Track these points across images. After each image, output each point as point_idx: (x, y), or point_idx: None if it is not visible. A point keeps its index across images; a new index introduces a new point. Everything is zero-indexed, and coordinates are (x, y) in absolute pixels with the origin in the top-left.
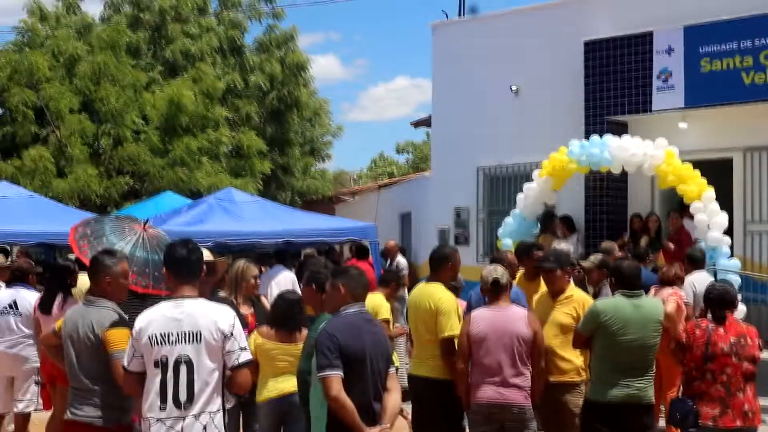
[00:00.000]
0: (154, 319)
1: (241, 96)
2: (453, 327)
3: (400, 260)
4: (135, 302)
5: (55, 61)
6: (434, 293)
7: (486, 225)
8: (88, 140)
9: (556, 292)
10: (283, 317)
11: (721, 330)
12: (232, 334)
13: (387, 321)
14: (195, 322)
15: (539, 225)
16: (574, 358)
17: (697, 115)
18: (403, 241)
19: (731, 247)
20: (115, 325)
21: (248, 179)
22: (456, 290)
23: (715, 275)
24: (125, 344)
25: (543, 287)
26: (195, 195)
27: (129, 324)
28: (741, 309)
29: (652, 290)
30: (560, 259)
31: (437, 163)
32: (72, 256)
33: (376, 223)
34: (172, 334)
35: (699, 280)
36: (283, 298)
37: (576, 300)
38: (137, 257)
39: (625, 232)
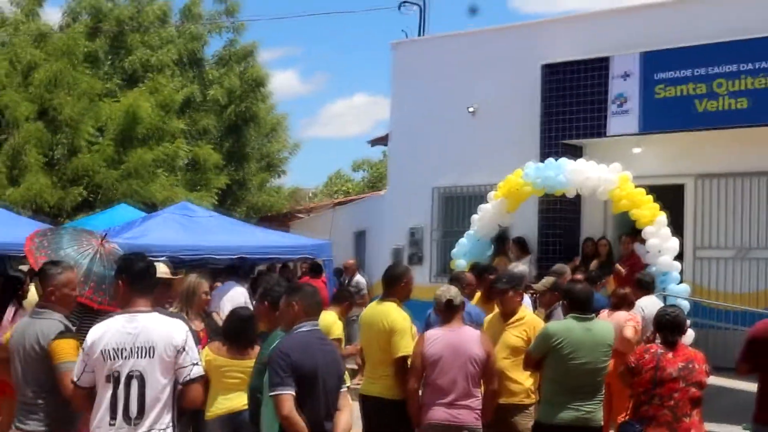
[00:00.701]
0: (107, 332)
1: (199, 109)
2: (406, 347)
3: (359, 279)
4: (90, 316)
5: (12, 68)
6: (388, 313)
7: (440, 245)
8: (44, 149)
9: (507, 314)
10: (236, 333)
11: (670, 355)
12: (184, 349)
13: (339, 340)
14: (149, 336)
15: (493, 246)
16: (524, 380)
17: (651, 140)
18: (357, 259)
19: (681, 273)
20: (61, 335)
21: (204, 193)
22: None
23: (665, 300)
24: (72, 355)
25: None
26: (150, 208)
27: (76, 335)
28: (690, 334)
29: (604, 313)
30: (513, 280)
31: (393, 181)
32: (24, 267)
33: (330, 241)
34: (125, 349)
35: (648, 305)
36: (236, 314)
37: (527, 322)
38: (94, 272)
39: (577, 255)
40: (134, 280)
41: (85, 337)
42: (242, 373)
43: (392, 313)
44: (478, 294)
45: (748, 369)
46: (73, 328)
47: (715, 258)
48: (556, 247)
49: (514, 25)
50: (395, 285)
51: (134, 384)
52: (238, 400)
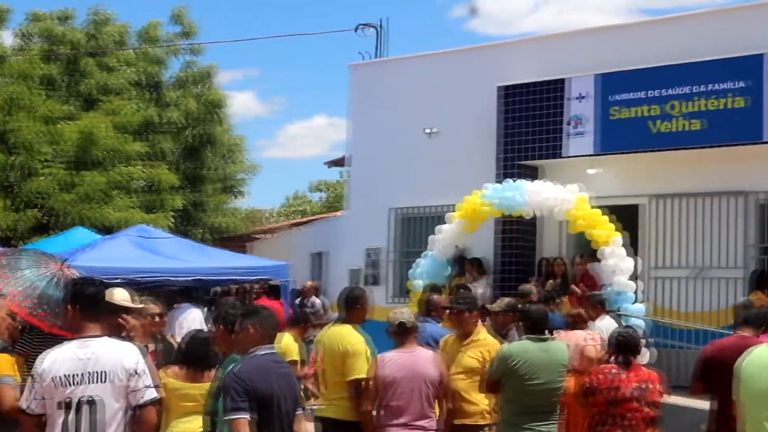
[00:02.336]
0: (58, 359)
1: (158, 131)
2: (362, 369)
3: (315, 301)
4: (42, 338)
5: None
6: (344, 335)
7: (398, 266)
8: None
9: (464, 335)
10: (193, 356)
11: (626, 375)
12: (137, 372)
13: (296, 362)
14: (101, 361)
15: (452, 267)
16: (480, 401)
17: (607, 161)
18: (317, 281)
19: (639, 292)
20: None
21: (161, 214)
22: None
23: (619, 319)
24: (7, 370)
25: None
26: (108, 230)
27: (14, 353)
28: (648, 354)
29: (561, 333)
30: (470, 301)
31: (352, 202)
32: None
33: (288, 263)
34: (77, 375)
35: (603, 325)
36: (193, 337)
37: (484, 343)
38: (49, 295)
39: (533, 276)
40: (85, 305)
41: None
42: (199, 396)
43: (348, 336)
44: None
45: (702, 388)
46: (11, 347)
47: (672, 277)
48: (514, 267)
49: (471, 48)
50: (352, 307)
51: (87, 410)
52: (195, 424)
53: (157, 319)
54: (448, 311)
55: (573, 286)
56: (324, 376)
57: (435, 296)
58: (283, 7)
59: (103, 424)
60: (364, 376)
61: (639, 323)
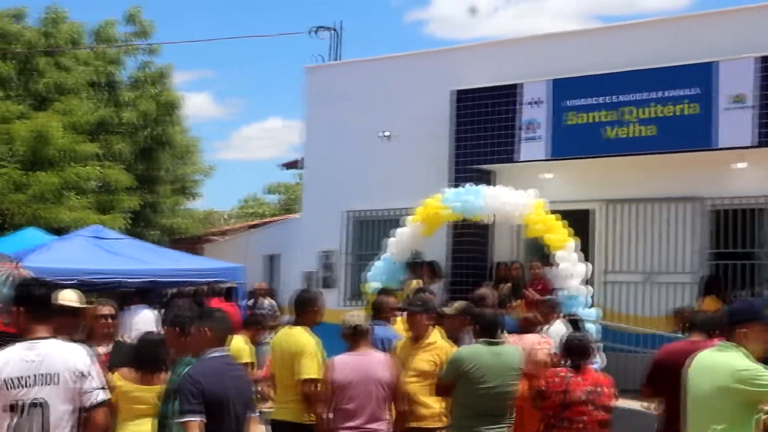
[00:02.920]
0: (8, 361)
1: (114, 132)
2: (313, 370)
3: (266, 302)
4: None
5: None
6: (297, 337)
7: (352, 269)
8: None
9: (418, 338)
10: (146, 358)
11: (578, 379)
12: (89, 374)
13: (249, 365)
14: (51, 363)
15: (407, 270)
16: (433, 404)
17: (560, 166)
18: (270, 283)
19: (591, 297)
20: None
21: (115, 215)
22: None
23: (575, 324)
24: None
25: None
26: (61, 231)
27: None
28: (601, 359)
29: (513, 337)
30: (424, 304)
31: (306, 205)
32: None
33: (243, 265)
34: (28, 378)
35: (554, 330)
36: (146, 339)
37: (438, 347)
38: (3, 293)
39: (486, 280)
40: (33, 307)
41: None
42: (150, 399)
43: (300, 337)
44: (400, 318)
45: (652, 392)
46: None
47: (623, 282)
48: (466, 271)
49: (427, 51)
50: (304, 310)
51: (37, 412)
52: (146, 427)
53: (110, 320)
54: (404, 313)
55: (527, 291)
56: (276, 379)
57: (386, 298)
58: (239, 8)
59: (55, 426)
60: (315, 376)
61: (591, 327)
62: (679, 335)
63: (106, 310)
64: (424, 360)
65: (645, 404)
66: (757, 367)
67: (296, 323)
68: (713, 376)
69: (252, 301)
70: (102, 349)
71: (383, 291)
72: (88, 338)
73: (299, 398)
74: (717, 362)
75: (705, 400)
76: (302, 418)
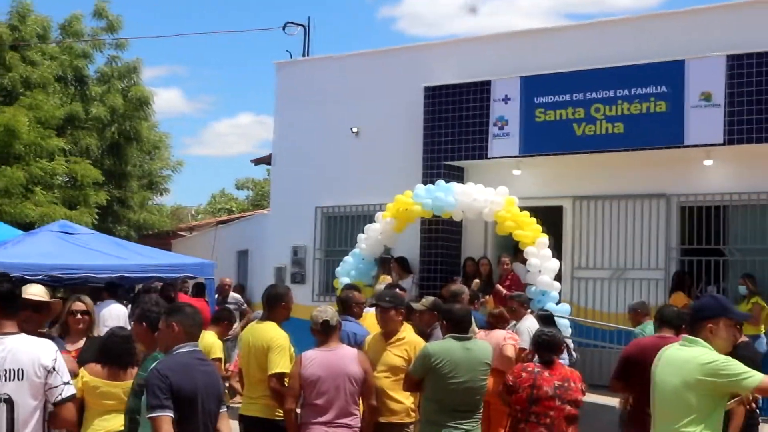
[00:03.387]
0: None
1: (82, 127)
2: (284, 364)
3: (235, 296)
4: None
5: None
6: (267, 331)
7: (323, 265)
8: None
9: (389, 333)
10: (114, 354)
11: (547, 374)
12: (54, 369)
13: (219, 360)
14: (17, 358)
15: (378, 266)
16: (404, 399)
17: (530, 162)
18: (240, 278)
19: (560, 293)
20: None
21: (83, 210)
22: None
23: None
24: None
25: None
26: (28, 226)
27: None
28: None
29: (481, 333)
30: (396, 300)
31: (276, 201)
32: None
33: (212, 260)
34: None
35: (526, 326)
36: (113, 334)
37: (408, 342)
38: None
39: (458, 275)
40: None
41: None
42: (120, 394)
43: (271, 332)
44: (368, 313)
45: (621, 387)
46: None
47: (592, 278)
48: (438, 266)
49: (398, 48)
50: (275, 305)
51: (3, 408)
52: (115, 422)
53: (85, 316)
54: (371, 309)
55: (498, 286)
56: (244, 375)
57: (353, 293)
58: (211, 4)
59: (21, 422)
60: (286, 370)
61: (564, 322)
62: (636, 331)
63: (81, 306)
64: (396, 355)
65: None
66: (723, 358)
67: (266, 318)
68: (680, 371)
69: (220, 296)
70: (71, 346)
71: (349, 286)
72: (64, 334)
73: (268, 393)
74: (682, 357)
75: (672, 395)
76: (272, 413)
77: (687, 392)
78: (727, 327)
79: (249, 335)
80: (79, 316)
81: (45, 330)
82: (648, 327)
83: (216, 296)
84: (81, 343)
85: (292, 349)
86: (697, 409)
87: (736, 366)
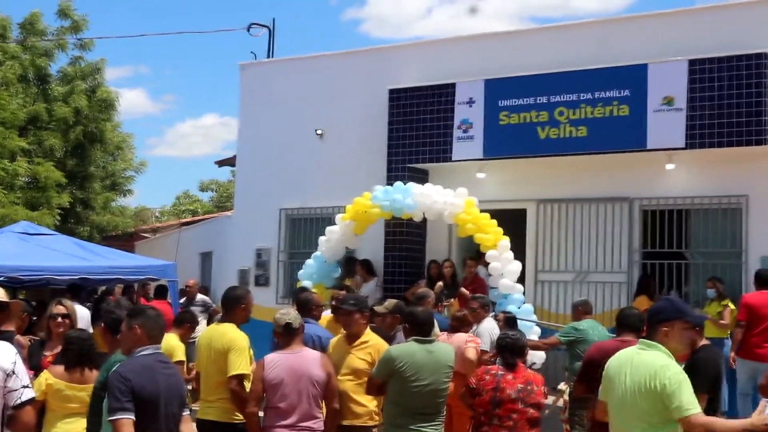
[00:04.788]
0: None
1: (45, 128)
2: (244, 366)
3: (203, 298)
4: None
5: None
6: (226, 333)
7: (287, 267)
8: None
9: (352, 336)
10: (73, 355)
11: (510, 376)
12: (14, 372)
13: (182, 362)
14: None
15: (341, 269)
16: (367, 402)
17: (494, 165)
18: (203, 281)
19: (523, 295)
20: None
21: (45, 212)
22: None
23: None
24: None
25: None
26: None
27: None
28: (540, 355)
29: (444, 335)
30: (360, 303)
31: (240, 203)
32: None
33: (176, 262)
34: None
35: (486, 328)
36: (72, 336)
37: (372, 345)
38: None
39: (423, 278)
40: None
41: None
42: (84, 397)
43: (230, 333)
44: (328, 317)
45: (584, 390)
46: None
47: (556, 281)
48: (402, 269)
49: (363, 50)
50: (234, 307)
51: None
52: (78, 425)
53: (65, 320)
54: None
55: (462, 289)
56: (202, 377)
57: (311, 296)
58: (175, 4)
59: None
60: (247, 372)
61: (530, 326)
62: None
63: (61, 309)
64: (359, 358)
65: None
66: (674, 373)
67: (224, 320)
68: (632, 375)
69: (186, 298)
70: (50, 351)
71: (302, 289)
72: (47, 338)
73: (226, 396)
74: (636, 361)
75: (627, 400)
76: (229, 417)
77: (639, 398)
78: (682, 330)
79: (207, 337)
80: (59, 319)
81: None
82: (583, 324)
83: (183, 298)
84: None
85: (251, 352)
86: (649, 417)
87: (682, 391)
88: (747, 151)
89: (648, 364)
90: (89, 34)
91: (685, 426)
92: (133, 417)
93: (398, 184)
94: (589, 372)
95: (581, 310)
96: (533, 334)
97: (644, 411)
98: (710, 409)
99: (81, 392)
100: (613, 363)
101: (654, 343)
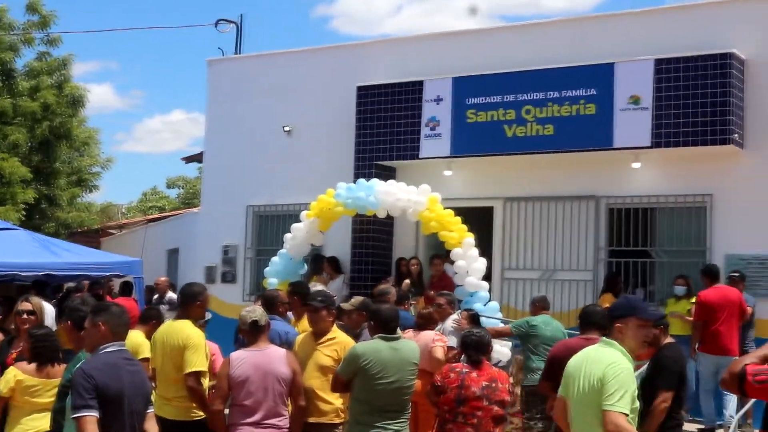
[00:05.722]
0: None
1: (10, 123)
2: (200, 363)
3: (172, 296)
4: None
5: None
6: (182, 330)
7: (254, 263)
8: None
9: (319, 333)
10: (36, 351)
11: (474, 374)
12: None
13: (147, 359)
14: None
15: (308, 266)
16: (333, 400)
17: (462, 163)
18: (170, 277)
19: (490, 292)
20: None
21: (10, 208)
22: None
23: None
24: None
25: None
26: None
27: None
28: (505, 353)
29: (410, 333)
30: (327, 300)
31: (207, 199)
32: None
33: (142, 259)
34: None
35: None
36: (35, 333)
37: (338, 342)
38: None
39: (390, 275)
40: None
41: None
42: (52, 392)
43: (186, 330)
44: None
45: (549, 387)
46: None
47: (522, 279)
48: (369, 266)
49: (331, 47)
50: (190, 303)
51: None
52: (45, 422)
53: (31, 316)
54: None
55: (428, 290)
56: (158, 375)
57: (277, 293)
58: None
59: None
60: (203, 369)
61: (497, 322)
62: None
63: (27, 306)
64: (326, 355)
65: None
66: (619, 369)
67: (180, 316)
68: (589, 373)
69: (156, 296)
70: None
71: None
72: (17, 335)
73: (184, 394)
74: (592, 358)
75: (583, 397)
76: (187, 414)
77: (593, 395)
78: (637, 327)
79: (163, 334)
80: (24, 316)
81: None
82: (537, 318)
83: (155, 296)
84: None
85: (207, 348)
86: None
87: (616, 386)
88: (712, 151)
89: (601, 361)
90: (56, 29)
91: (603, 418)
92: (97, 414)
93: (361, 181)
94: (553, 370)
95: (539, 305)
96: None
97: (599, 408)
98: (676, 406)
99: (50, 387)
100: (572, 361)
101: (612, 341)
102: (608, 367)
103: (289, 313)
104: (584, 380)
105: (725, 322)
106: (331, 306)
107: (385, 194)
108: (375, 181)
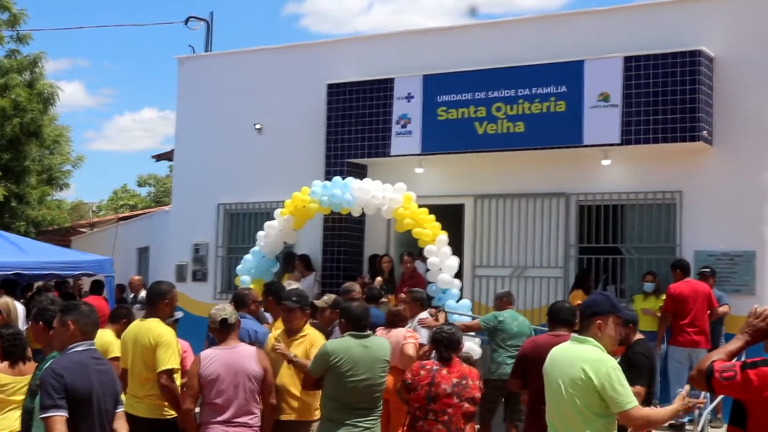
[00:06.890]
0: None
1: None
2: (173, 361)
3: (142, 295)
4: None
5: None
6: (152, 328)
7: (225, 262)
8: None
9: (292, 331)
10: (12, 351)
11: (445, 371)
12: None
13: (117, 359)
14: None
15: (280, 264)
16: (305, 397)
17: (432, 161)
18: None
19: (461, 290)
20: None
21: None
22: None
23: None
24: None
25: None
26: None
27: None
28: (477, 351)
29: (380, 330)
30: (302, 299)
31: (178, 197)
32: None
33: (113, 257)
34: None
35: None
36: (7, 333)
37: (311, 339)
38: None
39: (361, 273)
40: None
41: None
42: (24, 390)
43: (156, 329)
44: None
45: (518, 384)
46: None
47: (493, 276)
48: (341, 264)
49: (301, 44)
50: (158, 302)
51: None
52: (10, 420)
53: None
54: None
55: (400, 290)
56: (129, 374)
57: (247, 291)
58: None
59: None
60: (176, 366)
61: (467, 319)
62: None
63: None
64: (297, 353)
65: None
66: (613, 365)
67: (148, 315)
68: (568, 370)
69: (132, 295)
70: None
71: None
72: None
73: (155, 392)
74: (569, 356)
75: (562, 395)
76: (161, 413)
77: (574, 393)
78: (615, 325)
79: (133, 333)
80: None
81: None
82: (504, 313)
83: (130, 295)
84: None
85: (179, 346)
86: (585, 410)
87: (620, 386)
88: (681, 148)
89: (582, 359)
90: (26, 26)
91: (623, 419)
92: (66, 414)
93: (337, 179)
94: (523, 366)
95: (505, 300)
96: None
97: (579, 405)
98: (646, 400)
99: (24, 386)
100: (549, 358)
101: (586, 337)
102: (597, 366)
103: (268, 315)
104: (563, 378)
105: (695, 315)
106: (305, 306)
107: (360, 191)
108: (350, 179)
